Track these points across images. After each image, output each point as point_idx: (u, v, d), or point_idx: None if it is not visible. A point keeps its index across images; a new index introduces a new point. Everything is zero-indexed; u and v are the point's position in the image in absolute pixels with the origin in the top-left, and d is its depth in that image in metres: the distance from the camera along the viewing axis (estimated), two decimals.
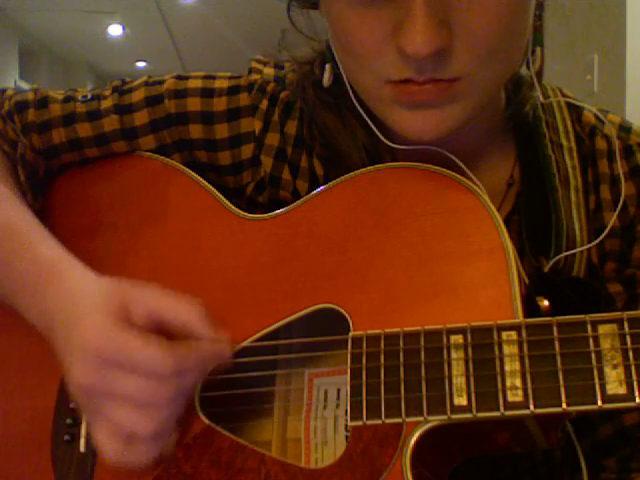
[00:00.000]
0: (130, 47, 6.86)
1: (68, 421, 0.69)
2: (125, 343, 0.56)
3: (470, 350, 0.54)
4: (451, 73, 0.56)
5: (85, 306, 0.59)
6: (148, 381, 0.56)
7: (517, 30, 0.57)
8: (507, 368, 0.53)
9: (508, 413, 0.52)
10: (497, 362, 0.53)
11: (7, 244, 0.66)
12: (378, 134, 0.65)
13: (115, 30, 6.44)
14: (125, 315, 0.58)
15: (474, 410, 0.53)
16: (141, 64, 7.47)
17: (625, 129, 0.72)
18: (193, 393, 0.62)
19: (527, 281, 0.61)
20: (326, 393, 0.66)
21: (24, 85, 5.71)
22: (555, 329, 0.53)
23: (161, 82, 0.73)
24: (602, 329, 0.52)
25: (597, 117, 0.72)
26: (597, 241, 0.67)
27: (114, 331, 0.56)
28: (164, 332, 0.59)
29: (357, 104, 0.65)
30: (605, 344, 0.52)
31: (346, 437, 0.64)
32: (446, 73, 0.56)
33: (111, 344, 0.56)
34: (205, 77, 0.73)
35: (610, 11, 2.64)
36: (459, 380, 0.54)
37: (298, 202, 0.66)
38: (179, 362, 0.57)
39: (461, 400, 0.54)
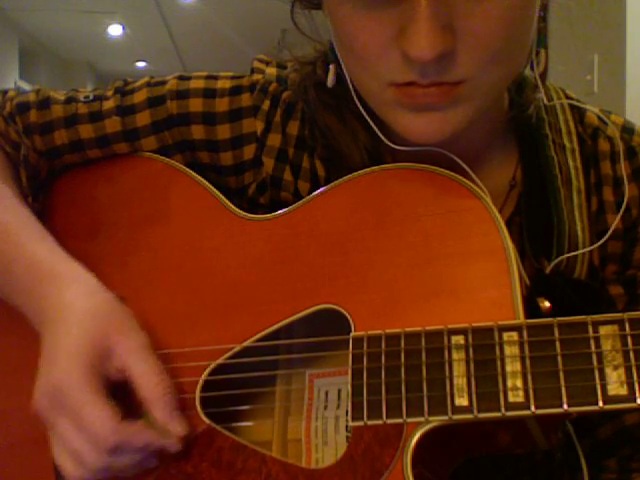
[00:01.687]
0: (130, 47, 6.86)
1: None
2: (80, 399, 0.58)
3: (471, 351, 0.54)
4: (455, 76, 0.56)
5: (65, 342, 0.60)
6: (83, 442, 0.58)
7: (521, 33, 0.57)
8: (508, 369, 0.53)
9: (509, 414, 0.52)
10: (498, 363, 0.54)
11: (4, 245, 0.67)
12: (380, 135, 0.65)
13: (115, 30, 6.45)
14: (99, 361, 0.60)
15: (475, 411, 0.53)
16: (141, 64, 7.48)
17: (628, 130, 0.72)
18: (192, 387, 0.63)
19: (528, 282, 0.61)
20: (327, 393, 0.66)
21: (24, 85, 5.71)
22: (556, 330, 0.53)
23: (163, 83, 0.73)
24: (603, 330, 0.52)
25: (600, 118, 0.72)
26: (599, 243, 0.67)
27: (77, 383, 0.59)
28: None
29: (359, 105, 0.65)
30: (606, 345, 0.52)
31: (347, 437, 0.64)
32: (450, 76, 0.55)
33: (68, 393, 0.59)
34: (207, 77, 0.73)
35: (610, 11, 2.64)
36: (460, 381, 0.54)
37: (299, 203, 0.66)
38: (120, 444, 0.58)
39: (462, 401, 0.54)
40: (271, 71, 0.73)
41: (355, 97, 0.65)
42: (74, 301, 0.62)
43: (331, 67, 0.67)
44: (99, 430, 0.58)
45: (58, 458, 0.61)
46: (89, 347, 0.60)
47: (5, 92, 0.77)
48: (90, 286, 0.64)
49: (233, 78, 0.73)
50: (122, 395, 0.61)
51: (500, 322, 0.55)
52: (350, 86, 0.64)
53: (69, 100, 0.74)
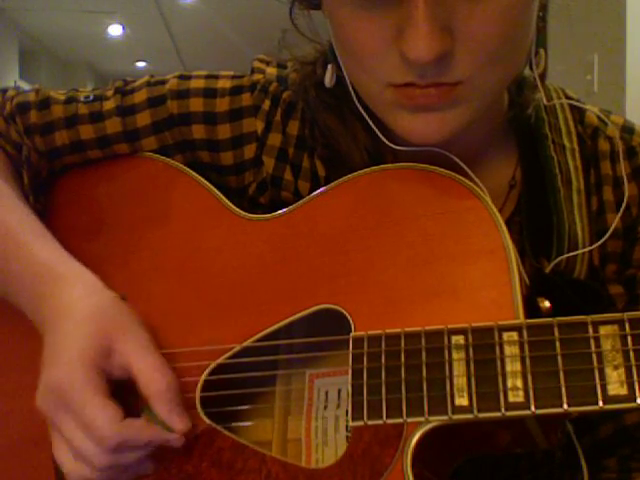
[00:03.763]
0: (130, 47, 6.86)
1: None
2: (82, 398, 0.58)
3: (471, 350, 0.54)
4: (453, 77, 0.56)
5: (67, 343, 0.60)
6: (87, 441, 0.59)
7: (519, 34, 0.57)
8: (508, 369, 0.53)
9: (509, 414, 0.52)
10: (498, 363, 0.54)
11: (4, 244, 0.67)
12: (380, 135, 0.65)
13: (115, 30, 6.45)
14: (100, 364, 0.60)
15: (475, 410, 0.53)
16: (141, 64, 7.48)
17: (628, 130, 0.72)
18: (192, 387, 0.63)
19: (528, 282, 0.61)
20: (327, 393, 0.66)
21: (24, 85, 5.71)
22: (556, 330, 0.53)
23: (163, 82, 0.73)
24: (603, 330, 0.52)
25: (600, 118, 0.72)
26: (599, 243, 0.67)
27: (80, 382, 0.59)
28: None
29: (359, 105, 0.65)
30: (606, 345, 0.52)
31: (347, 437, 0.64)
32: (448, 77, 0.55)
33: (71, 393, 0.59)
34: (208, 77, 0.73)
35: (610, 11, 2.64)
36: (460, 380, 0.54)
37: (299, 202, 0.66)
38: (121, 441, 0.58)
39: (462, 400, 0.54)
40: (271, 71, 0.73)
41: (354, 97, 0.65)
42: (76, 301, 0.62)
43: (329, 67, 0.67)
44: (102, 428, 0.58)
45: (60, 457, 0.61)
46: (91, 346, 0.60)
47: (5, 91, 0.76)
48: (92, 286, 0.64)
49: (233, 78, 0.73)
50: (124, 394, 0.61)
51: (500, 322, 0.55)
52: (349, 86, 0.64)
53: (69, 100, 0.74)
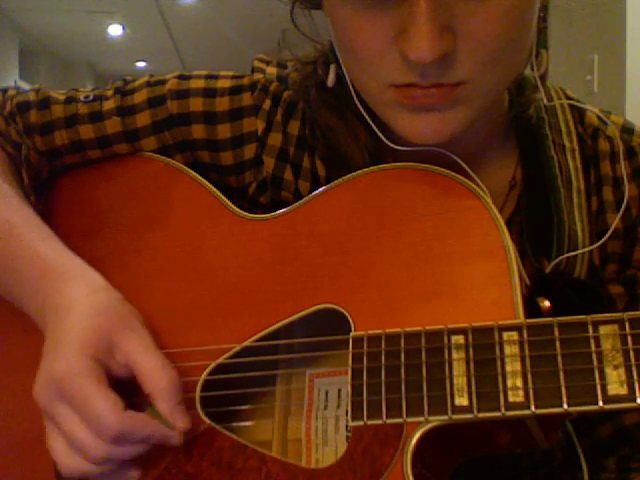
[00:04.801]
0: (130, 47, 6.86)
1: None
2: (84, 388, 0.58)
3: (471, 350, 0.54)
4: (454, 78, 0.55)
5: (69, 337, 0.60)
6: (87, 432, 0.58)
7: (521, 34, 0.57)
8: (508, 368, 0.53)
9: (509, 413, 0.52)
10: (498, 362, 0.54)
11: (8, 244, 0.67)
12: (380, 136, 0.65)
13: (115, 30, 6.45)
14: (104, 355, 0.60)
15: (475, 410, 0.53)
16: (141, 64, 7.48)
17: (628, 130, 0.72)
18: (192, 386, 0.63)
19: (528, 282, 0.61)
20: (327, 393, 0.66)
21: (24, 85, 5.71)
22: (556, 330, 0.53)
23: (163, 82, 0.73)
24: (603, 330, 0.52)
25: (600, 118, 0.72)
26: (599, 243, 0.67)
27: (81, 372, 0.58)
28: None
29: (360, 105, 0.65)
30: (606, 345, 0.52)
31: (347, 437, 0.64)
32: (449, 78, 0.55)
33: (72, 383, 0.58)
34: (207, 77, 0.73)
35: (610, 11, 2.64)
36: (460, 380, 0.54)
37: (300, 202, 0.66)
38: (123, 433, 0.58)
39: (462, 400, 0.54)
40: (272, 70, 0.73)
41: (355, 97, 0.65)
42: (79, 298, 0.62)
43: (331, 67, 0.67)
44: (103, 418, 0.57)
45: (55, 449, 0.60)
46: (93, 341, 0.60)
47: (5, 91, 0.76)
48: (95, 283, 0.64)
49: (233, 78, 0.73)
50: (125, 392, 0.61)
51: (500, 322, 0.55)
52: (350, 86, 0.64)
53: (69, 100, 0.74)
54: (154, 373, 0.60)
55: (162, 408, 0.60)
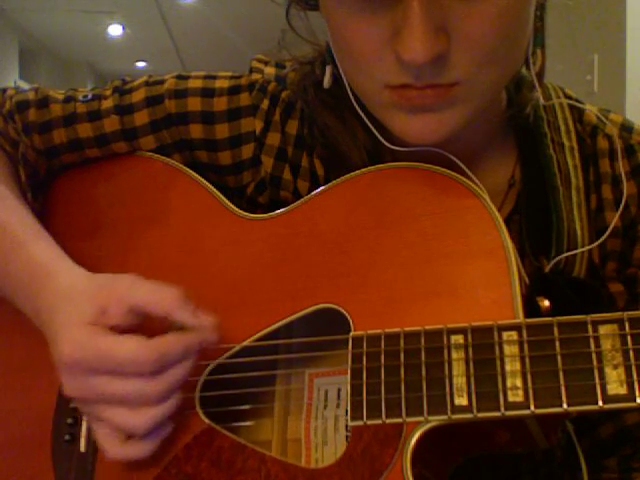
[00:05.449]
0: (130, 47, 6.86)
1: (68, 421, 0.69)
2: (102, 350, 0.57)
3: (471, 350, 0.54)
4: (450, 78, 0.55)
5: (63, 318, 0.60)
6: (133, 381, 0.57)
7: (516, 34, 0.57)
8: (508, 368, 0.53)
9: (509, 413, 0.52)
10: (498, 362, 0.53)
11: (2, 245, 0.67)
12: (379, 137, 0.65)
13: (115, 30, 6.45)
14: (101, 321, 0.59)
15: (475, 410, 0.53)
16: (141, 64, 7.48)
17: (627, 128, 0.72)
18: (191, 386, 0.62)
19: (528, 281, 0.61)
20: (326, 393, 0.66)
21: (24, 85, 5.71)
22: (556, 329, 0.53)
23: (162, 82, 0.73)
24: (603, 329, 0.52)
25: (598, 117, 0.72)
26: (599, 242, 0.67)
27: (89, 341, 0.57)
28: (148, 324, 0.59)
29: (357, 106, 0.65)
30: (606, 344, 0.52)
31: (346, 437, 0.64)
32: (445, 78, 0.55)
33: (88, 354, 0.57)
34: (206, 77, 0.73)
35: (610, 11, 2.65)
36: (459, 380, 0.54)
37: (298, 202, 0.66)
38: (161, 357, 0.57)
39: (462, 400, 0.53)
40: (270, 70, 0.73)
41: (352, 98, 0.65)
42: (67, 288, 0.61)
43: (327, 68, 0.67)
44: (138, 358, 0.56)
45: (118, 421, 0.58)
46: (86, 318, 0.59)
47: (4, 90, 0.77)
48: (82, 275, 0.63)
49: (231, 78, 0.73)
50: None
51: (500, 321, 0.55)
52: (347, 87, 0.64)
53: (68, 99, 0.74)
54: (157, 294, 0.59)
55: (184, 318, 0.59)
